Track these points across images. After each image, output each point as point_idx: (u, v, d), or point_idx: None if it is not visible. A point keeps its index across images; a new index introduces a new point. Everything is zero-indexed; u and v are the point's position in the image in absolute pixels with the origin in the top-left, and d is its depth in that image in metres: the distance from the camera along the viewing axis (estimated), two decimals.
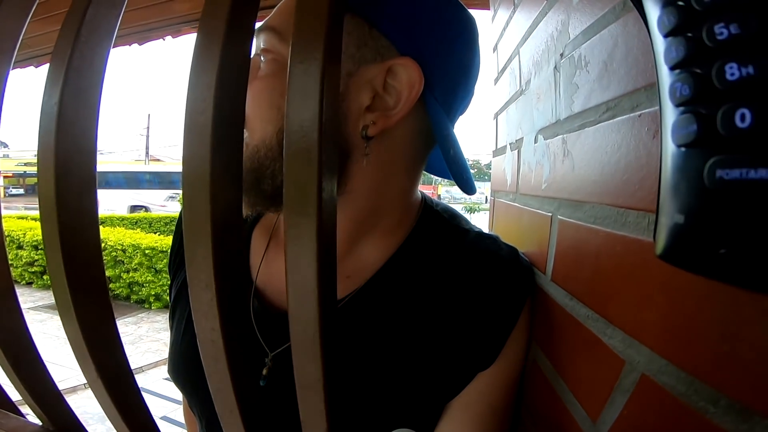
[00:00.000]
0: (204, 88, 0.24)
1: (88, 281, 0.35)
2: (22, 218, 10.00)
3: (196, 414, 0.64)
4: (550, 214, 0.58)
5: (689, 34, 0.16)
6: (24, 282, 7.84)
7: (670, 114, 0.17)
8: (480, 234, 0.63)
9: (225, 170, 0.25)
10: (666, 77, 0.17)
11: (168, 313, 0.74)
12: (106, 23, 0.32)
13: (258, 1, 0.28)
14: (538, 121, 0.67)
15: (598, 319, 0.41)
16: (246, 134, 0.51)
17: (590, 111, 0.46)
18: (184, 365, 0.61)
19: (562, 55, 0.56)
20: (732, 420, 0.25)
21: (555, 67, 0.59)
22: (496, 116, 1.05)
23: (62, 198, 0.31)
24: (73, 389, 3.86)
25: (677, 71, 0.16)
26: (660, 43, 0.18)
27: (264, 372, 0.54)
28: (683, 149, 0.16)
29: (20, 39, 0.39)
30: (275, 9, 0.55)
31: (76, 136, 0.31)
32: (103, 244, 6.37)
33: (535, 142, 0.68)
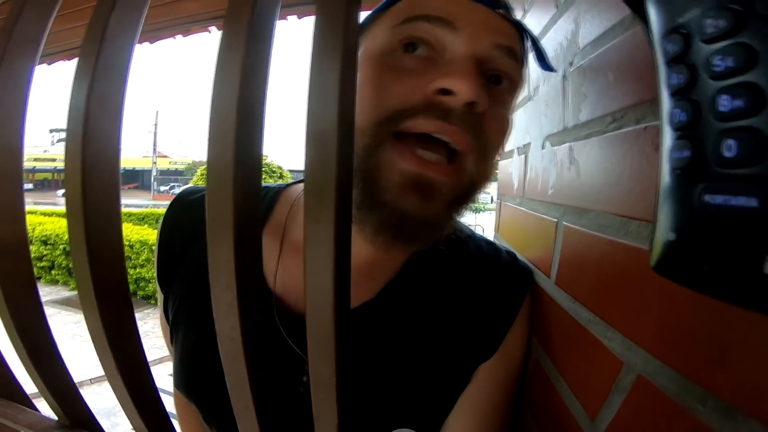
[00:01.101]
0: (227, 98, 0.26)
1: (111, 280, 0.36)
2: (32, 213, 10.06)
3: (213, 428, 0.61)
4: (555, 220, 0.59)
5: (690, 63, 0.17)
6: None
7: (669, 137, 0.18)
8: (481, 240, 0.67)
9: (248, 175, 0.27)
10: (667, 101, 0.18)
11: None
12: (129, 26, 0.33)
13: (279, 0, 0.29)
14: (546, 128, 0.68)
15: (599, 323, 0.43)
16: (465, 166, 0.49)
17: (597, 121, 0.47)
18: (200, 378, 0.58)
19: (571, 64, 0.57)
20: (718, 418, 0.27)
21: (564, 75, 0.60)
22: None
23: (89, 201, 0.32)
24: (79, 385, 3.87)
25: (677, 97, 0.17)
26: (663, 68, 0.19)
27: (304, 379, 0.54)
28: (678, 172, 0.17)
29: (44, 40, 0.40)
30: (483, 26, 0.48)
31: (100, 140, 0.32)
32: None
33: (543, 147, 0.69)
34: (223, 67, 0.26)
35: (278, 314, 0.56)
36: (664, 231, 0.18)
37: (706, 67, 0.16)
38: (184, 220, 0.64)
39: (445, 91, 0.44)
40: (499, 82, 0.51)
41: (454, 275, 0.60)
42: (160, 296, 0.66)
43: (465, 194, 0.50)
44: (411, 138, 0.46)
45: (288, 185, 0.68)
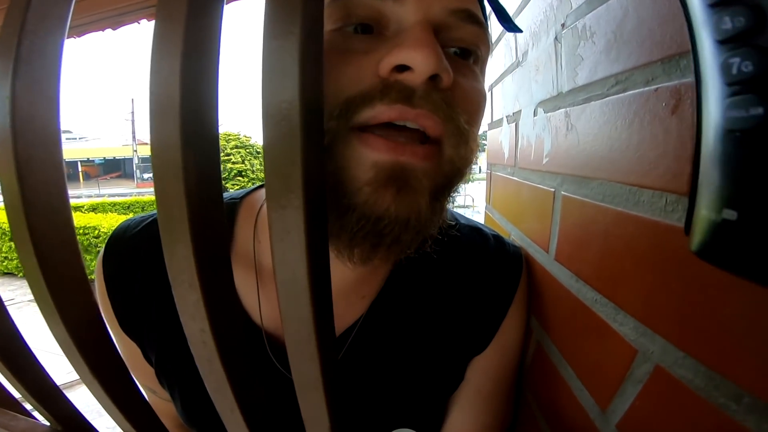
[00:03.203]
0: (167, 71, 0.22)
1: (68, 282, 0.33)
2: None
3: None
4: (552, 190, 0.56)
5: (751, 3, 0.13)
6: (21, 275, 7.59)
7: (719, 93, 0.15)
8: (466, 227, 0.63)
9: (201, 153, 0.23)
10: (712, 51, 0.15)
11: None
12: (57, 8, 0.29)
13: None
14: (538, 94, 0.65)
15: (606, 304, 0.40)
16: (448, 146, 0.40)
17: (596, 84, 0.44)
18: (209, 416, 0.52)
19: (563, 25, 0.53)
20: (755, 419, 0.24)
21: (555, 38, 0.56)
22: (490, 88, 1.02)
23: (29, 199, 0.28)
24: (77, 383, 3.84)
25: (731, 45, 0.14)
26: (702, 12, 0.15)
27: None
28: (738, 134, 0.14)
29: None
30: None
31: (36, 131, 0.28)
32: (96, 231, 6.29)
33: (535, 115, 0.66)
34: (161, 33, 0.22)
35: (272, 351, 0.52)
36: (715, 208, 0.15)
37: None
38: (130, 260, 0.54)
39: (401, 68, 0.37)
40: (467, 56, 0.43)
41: (443, 272, 0.57)
42: (128, 344, 0.57)
43: (448, 184, 0.42)
44: (373, 129, 0.38)
45: (246, 194, 0.59)
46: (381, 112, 0.37)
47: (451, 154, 0.41)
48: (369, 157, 0.37)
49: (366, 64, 0.38)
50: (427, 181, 0.39)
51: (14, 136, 0.26)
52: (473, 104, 0.42)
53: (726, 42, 0.14)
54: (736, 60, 0.13)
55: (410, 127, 0.38)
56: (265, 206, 0.54)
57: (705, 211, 0.16)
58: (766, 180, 0.13)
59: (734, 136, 0.14)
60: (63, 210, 0.30)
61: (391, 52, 0.36)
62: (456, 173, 0.42)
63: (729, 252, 0.15)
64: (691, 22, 0.17)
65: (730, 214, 0.14)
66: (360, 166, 0.37)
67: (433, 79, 0.37)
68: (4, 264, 7.31)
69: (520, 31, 0.53)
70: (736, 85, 0.14)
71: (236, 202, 0.57)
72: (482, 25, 0.42)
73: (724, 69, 0.14)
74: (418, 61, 0.36)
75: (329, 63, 0.38)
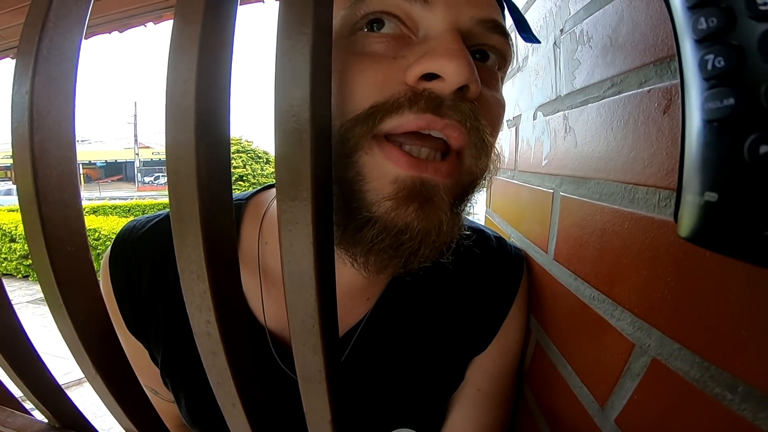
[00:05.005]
0: (184, 71, 0.23)
1: (76, 275, 0.34)
2: (13, 211, 9.83)
3: None
4: (551, 191, 0.57)
5: (723, 5, 0.14)
6: (20, 276, 7.38)
7: (698, 88, 0.16)
8: (468, 228, 0.63)
9: (212, 156, 0.24)
10: (691, 50, 0.16)
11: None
12: (77, 8, 0.30)
13: None
14: (537, 98, 0.66)
15: (604, 300, 0.41)
16: (469, 157, 0.40)
17: (593, 87, 0.45)
18: (208, 416, 0.55)
19: (562, 30, 0.55)
20: (751, 408, 0.24)
21: (555, 43, 0.57)
22: None
23: (42, 191, 0.29)
24: (78, 382, 3.81)
25: (707, 43, 0.15)
26: (683, 14, 0.17)
27: None
28: (715, 124, 0.15)
29: None
30: None
31: (51, 126, 0.29)
32: (96, 234, 6.29)
33: (534, 118, 0.67)
34: (179, 37, 0.23)
35: (276, 352, 0.52)
36: (699, 192, 0.16)
37: (748, 7, 0.13)
38: (137, 261, 0.55)
39: (431, 76, 0.36)
40: (485, 58, 0.43)
41: (445, 273, 0.58)
42: (134, 345, 0.57)
43: (465, 193, 0.43)
44: (396, 138, 0.38)
45: (251, 195, 0.59)
46: (409, 120, 0.37)
47: (470, 164, 0.40)
48: (391, 172, 0.37)
49: (393, 70, 0.37)
50: (448, 197, 0.39)
51: (31, 130, 0.27)
52: (495, 115, 0.43)
53: (702, 41, 0.15)
54: (710, 57, 0.15)
55: (434, 136, 0.38)
56: (272, 207, 0.54)
57: (690, 196, 0.17)
58: (740, 162, 0.14)
59: (712, 126, 0.15)
60: (74, 203, 0.31)
61: (422, 60, 0.36)
62: (473, 183, 0.42)
63: (712, 232, 0.16)
64: (675, 25, 0.18)
65: (711, 196, 0.16)
66: (381, 178, 0.37)
67: (461, 89, 0.37)
68: (3, 265, 7.29)
69: (539, 41, 0.52)
70: (712, 80, 0.15)
71: (242, 204, 0.57)
72: (507, 35, 0.42)
73: (702, 65, 0.15)
74: (451, 71, 0.35)
75: (354, 66, 0.38)
